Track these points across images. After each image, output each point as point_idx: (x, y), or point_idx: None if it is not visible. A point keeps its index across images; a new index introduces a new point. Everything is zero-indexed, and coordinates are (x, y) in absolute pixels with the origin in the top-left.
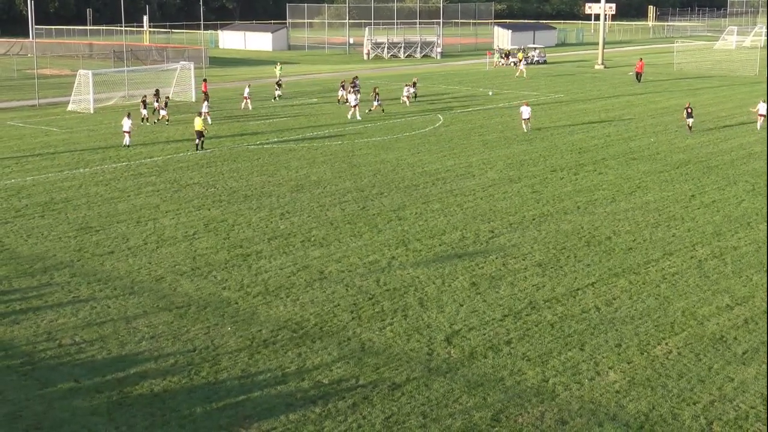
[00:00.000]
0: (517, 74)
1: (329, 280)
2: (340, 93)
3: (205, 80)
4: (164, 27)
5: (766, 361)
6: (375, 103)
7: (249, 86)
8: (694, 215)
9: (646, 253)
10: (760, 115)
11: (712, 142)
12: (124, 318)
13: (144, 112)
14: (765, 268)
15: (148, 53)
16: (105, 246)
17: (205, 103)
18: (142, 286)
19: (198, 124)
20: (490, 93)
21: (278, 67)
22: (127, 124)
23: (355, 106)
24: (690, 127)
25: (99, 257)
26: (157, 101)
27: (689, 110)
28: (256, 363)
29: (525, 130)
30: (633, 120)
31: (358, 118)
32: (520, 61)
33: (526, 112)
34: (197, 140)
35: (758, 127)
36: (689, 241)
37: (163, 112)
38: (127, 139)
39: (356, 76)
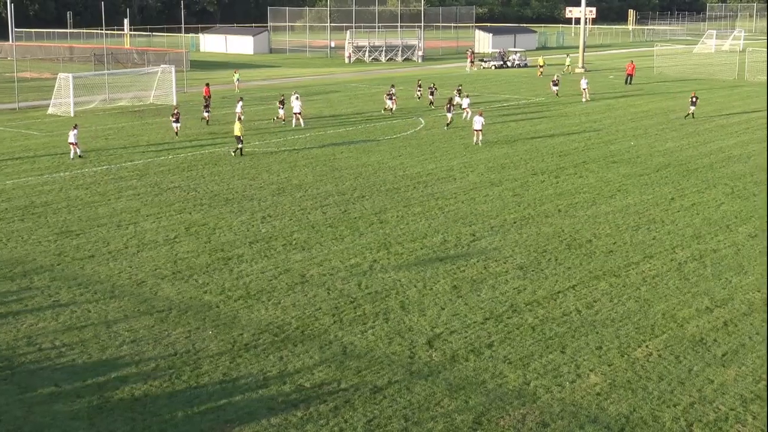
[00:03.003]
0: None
1: (311, 283)
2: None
3: (207, 84)
4: (145, 30)
5: (766, 360)
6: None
7: (241, 100)
8: (674, 218)
9: (627, 255)
10: None
11: (691, 146)
12: (105, 322)
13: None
14: (759, 267)
15: (129, 56)
16: (85, 250)
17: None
18: (122, 290)
19: (238, 128)
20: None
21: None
22: (72, 136)
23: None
24: (693, 115)
25: (79, 261)
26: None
27: (694, 99)
28: (237, 367)
29: (475, 142)
30: (613, 123)
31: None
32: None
33: (478, 122)
34: (238, 145)
35: None
36: (669, 243)
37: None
38: (72, 153)
39: (393, 84)
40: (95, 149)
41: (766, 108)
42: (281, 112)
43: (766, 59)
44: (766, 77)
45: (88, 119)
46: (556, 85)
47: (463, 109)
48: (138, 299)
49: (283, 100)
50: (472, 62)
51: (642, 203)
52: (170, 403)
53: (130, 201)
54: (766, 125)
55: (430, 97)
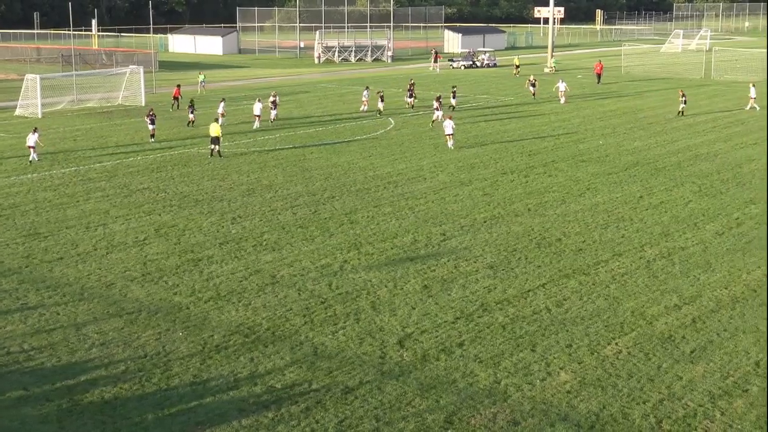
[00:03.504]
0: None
1: (281, 284)
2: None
3: (178, 86)
4: (113, 31)
5: (766, 359)
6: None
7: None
8: (643, 216)
9: (596, 254)
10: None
11: (659, 144)
12: (74, 325)
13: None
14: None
15: (97, 57)
16: (54, 252)
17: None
18: (91, 292)
19: (215, 129)
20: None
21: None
22: (31, 139)
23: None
24: (683, 113)
25: (48, 263)
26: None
27: (684, 98)
28: (208, 368)
29: (450, 147)
30: (582, 122)
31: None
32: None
33: (449, 127)
34: (212, 146)
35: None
36: (638, 241)
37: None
38: (33, 155)
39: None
40: (63, 151)
41: (766, 107)
42: (273, 113)
43: (766, 59)
44: (766, 77)
45: (56, 120)
46: (533, 86)
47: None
48: (107, 301)
49: (276, 100)
50: (435, 62)
51: (611, 202)
52: (140, 406)
53: (99, 203)
54: (766, 125)
55: (409, 100)
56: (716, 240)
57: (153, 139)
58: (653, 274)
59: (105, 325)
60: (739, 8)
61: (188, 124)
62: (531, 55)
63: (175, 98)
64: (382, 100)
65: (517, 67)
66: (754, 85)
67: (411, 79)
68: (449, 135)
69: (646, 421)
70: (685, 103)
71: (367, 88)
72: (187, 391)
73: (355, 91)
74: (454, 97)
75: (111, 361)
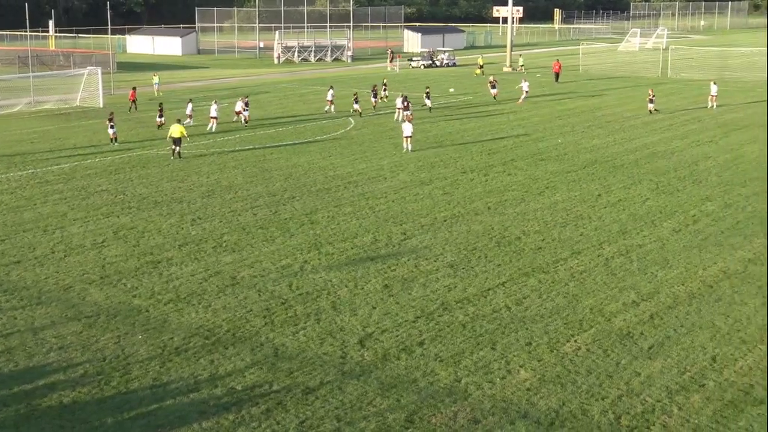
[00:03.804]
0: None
1: (241, 285)
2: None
3: (134, 88)
4: (71, 32)
5: (765, 357)
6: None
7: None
8: (601, 214)
9: (555, 252)
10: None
11: (617, 142)
12: (32, 329)
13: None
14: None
15: (55, 58)
16: (11, 255)
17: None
18: (49, 295)
19: (176, 130)
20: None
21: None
22: None
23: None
24: (653, 111)
25: (4, 267)
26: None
27: (652, 96)
28: (167, 371)
29: (405, 149)
30: (541, 121)
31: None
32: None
33: (408, 129)
34: (174, 147)
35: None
36: (596, 239)
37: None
38: None
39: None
40: (20, 153)
41: (766, 108)
42: (245, 114)
43: (766, 59)
44: (766, 76)
45: (12, 123)
46: (494, 87)
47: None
48: (65, 305)
49: (248, 101)
50: (392, 61)
51: (569, 200)
52: (100, 410)
53: (57, 205)
54: (766, 125)
55: (373, 99)
56: (673, 237)
57: (116, 143)
58: (611, 271)
59: (63, 328)
60: (695, 7)
61: (158, 127)
62: (489, 54)
63: (132, 101)
64: (356, 102)
65: (481, 66)
66: (715, 83)
67: (384, 80)
68: (407, 137)
69: (605, 417)
70: (651, 102)
71: (331, 87)
72: (146, 395)
73: (316, 91)
74: (428, 98)
75: (69, 365)
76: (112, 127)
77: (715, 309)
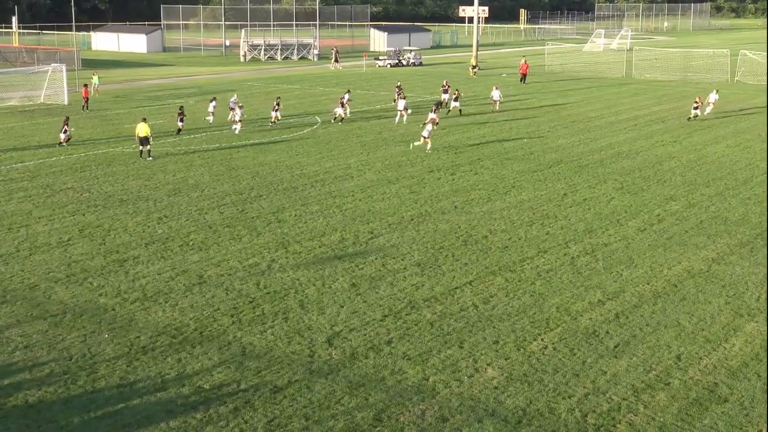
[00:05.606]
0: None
1: (208, 284)
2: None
3: (85, 85)
4: (34, 28)
5: (765, 356)
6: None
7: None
8: (567, 213)
9: (521, 251)
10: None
11: (582, 142)
12: None
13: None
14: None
15: (18, 55)
16: None
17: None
18: (14, 294)
19: (142, 129)
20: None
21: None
22: None
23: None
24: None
25: None
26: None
27: (699, 104)
28: (134, 370)
29: (412, 146)
30: (507, 121)
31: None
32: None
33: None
34: (141, 147)
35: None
36: (562, 238)
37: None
38: None
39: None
40: None
41: (766, 107)
42: (239, 113)
43: (766, 59)
44: (765, 77)
45: None
46: (446, 92)
47: (399, 111)
48: (31, 303)
49: (243, 104)
50: (337, 61)
51: (536, 199)
52: (66, 409)
53: (21, 203)
54: (766, 124)
55: (339, 111)
56: (638, 236)
57: (66, 145)
58: (577, 270)
59: (28, 327)
60: (659, 9)
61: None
62: (456, 54)
63: (85, 99)
64: (342, 106)
65: (474, 67)
66: (717, 91)
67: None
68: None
69: (572, 415)
70: (696, 108)
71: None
72: (113, 394)
73: (282, 90)
74: (402, 98)
75: (35, 364)
76: (65, 131)
77: (679, 308)
